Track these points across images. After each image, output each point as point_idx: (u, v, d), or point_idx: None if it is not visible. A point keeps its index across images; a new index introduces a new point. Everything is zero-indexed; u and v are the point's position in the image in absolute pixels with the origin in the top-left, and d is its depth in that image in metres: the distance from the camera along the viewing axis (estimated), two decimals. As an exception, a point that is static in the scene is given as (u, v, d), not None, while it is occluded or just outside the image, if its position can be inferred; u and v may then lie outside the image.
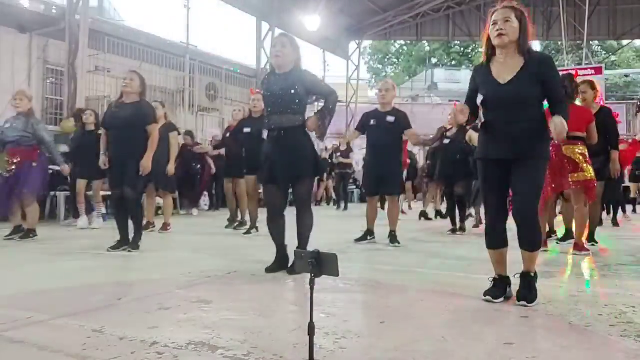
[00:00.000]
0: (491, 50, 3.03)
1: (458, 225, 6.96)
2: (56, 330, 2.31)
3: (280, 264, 3.85)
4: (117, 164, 4.82)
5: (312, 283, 1.88)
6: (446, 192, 7.38)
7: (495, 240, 3.06)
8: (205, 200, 11.08)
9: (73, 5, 10.23)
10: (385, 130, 5.47)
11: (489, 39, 2.99)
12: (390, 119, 5.48)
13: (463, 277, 3.73)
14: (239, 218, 7.30)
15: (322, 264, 1.88)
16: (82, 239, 5.85)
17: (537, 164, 2.95)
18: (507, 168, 2.96)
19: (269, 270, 3.80)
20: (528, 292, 2.91)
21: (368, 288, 3.41)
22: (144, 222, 6.81)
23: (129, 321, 2.48)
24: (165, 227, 6.73)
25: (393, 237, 5.53)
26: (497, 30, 2.90)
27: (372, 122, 5.56)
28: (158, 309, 2.71)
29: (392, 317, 2.62)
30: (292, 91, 3.74)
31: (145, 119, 4.88)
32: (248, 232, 6.50)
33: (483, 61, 3.10)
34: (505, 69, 2.95)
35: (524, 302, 2.86)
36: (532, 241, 2.98)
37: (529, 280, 2.95)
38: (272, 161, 3.83)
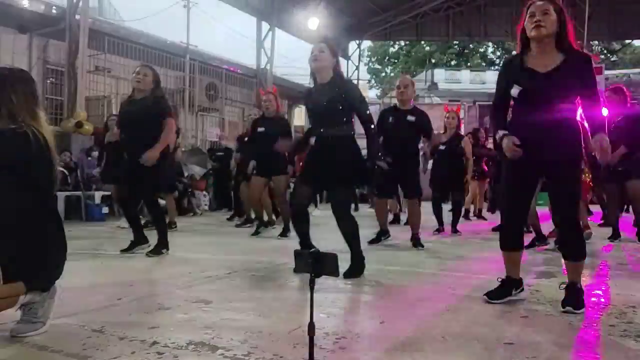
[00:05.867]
0: (525, 46, 2.85)
1: (452, 230, 6.80)
2: (56, 330, 2.30)
3: None
4: (131, 163, 4.61)
5: (312, 283, 1.88)
6: (435, 195, 7.20)
7: (511, 241, 2.94)
8: (205, 200, 11.09)
9: (73, 5, 10.24)
10: (404, 129, 5.24)
11: (523, 32, 2.82)
12: (411, 118, 5.27)
13: (463, 277, 3.73)
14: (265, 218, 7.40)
15: (322, 264, 1.88)
16: (81, 239, 5.85)
17: (575, 168, 2.82)
18: (538, 170, 2.85)
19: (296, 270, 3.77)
20: (575, 300, 2.75)
21: (368, 288, 3.41)
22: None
23: (129, 321, 2.48)
24: (169, 225, 6.78)
25: (416, 241, 5.36)
26: (535, 21, 2.72)
27: (390, 119, 5.34)
28: (158, 309, 2.71)
29: (392, 317, 2.62)
30: (338, 105, 3.66)
31: (161, 113, 4.62)
32: (257, 232, 6.38)
33: (515, 55, 2.93)
34: (544, 61, 2.77)
35: (569, 308, 2.71)
36: (575, 250, 2.85)
37: (575, 291, 2.80)
38: (313, 166, 3.80)
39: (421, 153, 6.28)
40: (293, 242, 4.22)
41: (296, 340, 2.16)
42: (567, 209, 2.82)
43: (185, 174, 10.38)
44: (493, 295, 2.90)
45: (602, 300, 3.13)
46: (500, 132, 2.86)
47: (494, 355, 2.08)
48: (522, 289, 3.02)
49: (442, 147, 6.91)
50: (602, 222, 8.00)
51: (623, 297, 3.18)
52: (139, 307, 2.75)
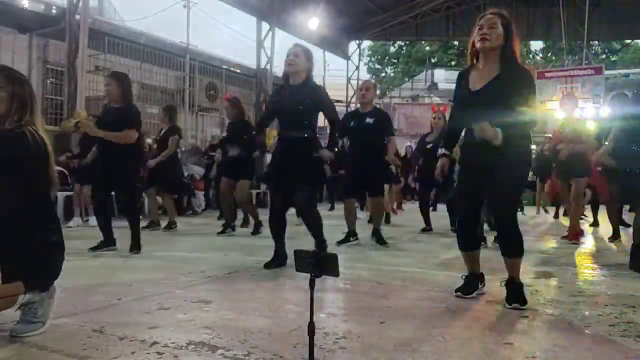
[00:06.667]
0: (476, 56, 2.99)
1: (451, 229, 6.79)
2: (56, 330, 2.31)
3: (277, 261, 4.02)
4: (103, 168, 4.75)
5: (312, 283, 1.89)
6: (421, 193, 7.33)
7: (470, 244, 3.12)
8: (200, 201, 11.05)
9: (73, 5, 10.22)
10: (364, 131, 5.37)
11: (473, 44, 2.95)
12: (369, 120, 5.40)
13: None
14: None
15: (322, 264, 1.88)
16: (81, 239, 5.85)
17: (512, 170, 2.87)
18: (485, 174, 2.93)
19: (267, 266, 3.98)
20: (517, 295, 2.86)
21: (368, 288, 3.41)
22: (148, 222, 6.88)
23: (129, 321, 2.48)
24: (169, 225, 6.78)
25: (379, 237, 5.47)
26: (482, 34, 2.86)
27: (352, 123, 5.51)
28: (158, 309, 2.71)
29: (392, 317, 2.62)
30: (302, 107, 3.92)
31: (127, 123, 4.69)
32: (223, 232, 6.44)
33: (467, 67, 3.07)
34: (480, 77, 2.93)
35: (515, 305, 2.81)
36: (512, 248, 2.94)
37: (516, 287, 2.90)
38: (279, 168, 4.03)
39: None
40: (292, 242, 4.23)
41: (296, 340, 2.17)
42: (504, 209, 2.93)
43: (185, 174, 10.36)
44: (464, 291, 3.07)
45: (602, 300, 3.13)
46: (441, 151, 3.23)
47: (494, 355, 2.08)
48: (484, 284, 3.19)
49: (428, 147, 6.93)
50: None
51: (623, 297, 3.19)
52: (139, 307, 2.75)
